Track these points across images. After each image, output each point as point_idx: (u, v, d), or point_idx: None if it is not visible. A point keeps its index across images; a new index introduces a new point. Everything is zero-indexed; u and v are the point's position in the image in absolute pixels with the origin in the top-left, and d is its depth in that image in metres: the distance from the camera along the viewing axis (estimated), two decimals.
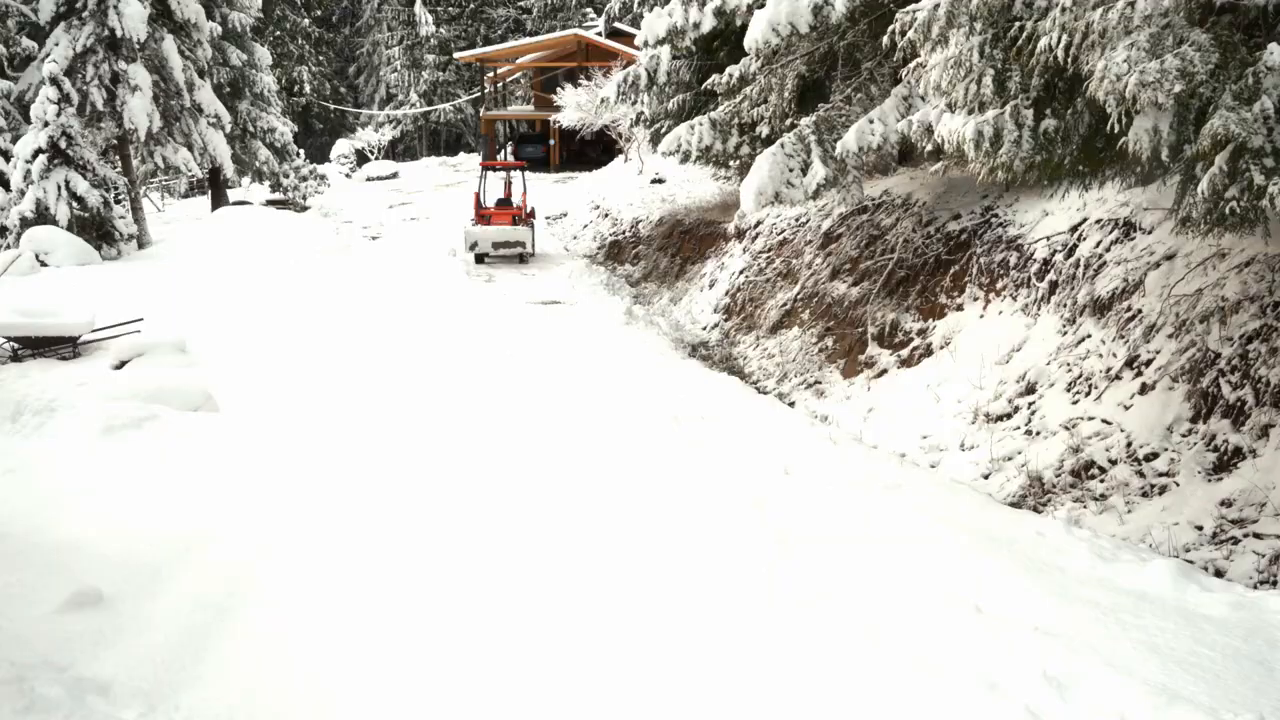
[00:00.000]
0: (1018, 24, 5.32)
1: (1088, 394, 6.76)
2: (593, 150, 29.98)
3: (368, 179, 35.10)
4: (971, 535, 5.30)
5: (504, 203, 18.78)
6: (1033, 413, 7.03)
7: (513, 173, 20.44)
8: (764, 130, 11.00)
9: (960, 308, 8.66)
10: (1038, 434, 6.83)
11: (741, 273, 12.58)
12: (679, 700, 3.67)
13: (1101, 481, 6.12)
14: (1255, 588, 4.81)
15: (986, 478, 6.74)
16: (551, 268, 16.71)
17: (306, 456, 6.58)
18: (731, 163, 13.67)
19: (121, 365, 9.38)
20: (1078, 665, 3.80)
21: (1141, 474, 5.94)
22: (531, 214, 18.52)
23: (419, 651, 4.03)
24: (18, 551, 4.82)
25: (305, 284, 14.68)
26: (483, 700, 3.68)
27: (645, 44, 13.06)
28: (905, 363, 8.74)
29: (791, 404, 9.14)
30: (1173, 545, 5.34)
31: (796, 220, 12.19)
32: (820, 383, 9.36)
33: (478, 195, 18.34)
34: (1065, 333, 7.34)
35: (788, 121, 10.31)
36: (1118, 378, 6.61)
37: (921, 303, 9.16)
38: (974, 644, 4.02)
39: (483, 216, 17.92)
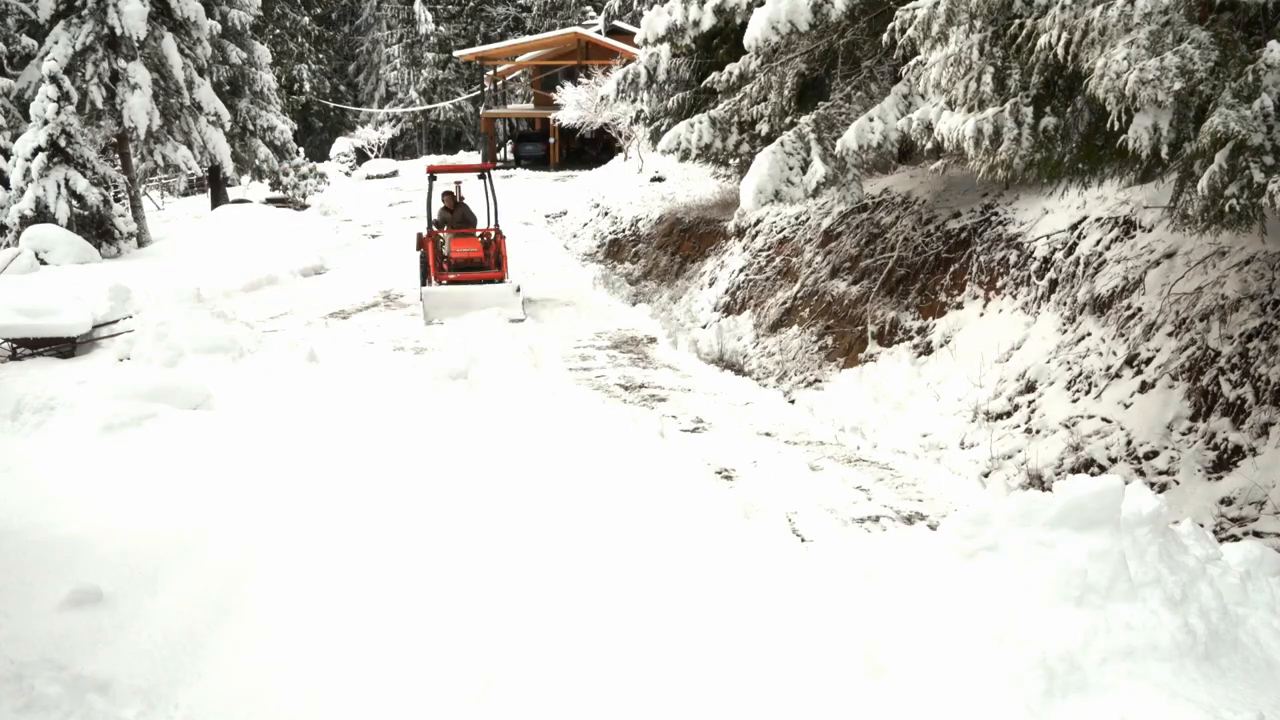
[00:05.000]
0: (1017, 21, 5.31)
1: (1087, 392, 6.75)
2: (592, 148, 30.05)
3: (367, 177, 35.12)
4: None
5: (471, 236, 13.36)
6: (1032, 411, 7.03)
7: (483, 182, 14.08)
8: (764, 128, 11.00)
9: (960, 306, 8.65)
10: (1038, 432, 6.83)
11: (741, 271, 12.57)
12: None
13: None
14: None
15: (986, 476, 6.73)
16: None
17: (306, 455, 6.58)
18: (731, 161, 13.67)
19: (121, 363, 9.37)
20: None
21: (1141, 472, 5.94)
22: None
23: (418, 649, 4.03)
24: (17, 550, 4.82)
25: (304, 281, 14.67)
26: (481, 698, 3.68)
27: (645, 42, 13.07)
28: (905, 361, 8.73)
29: (792, 401, 9.14)
30: None
31: (796, 218, 12.17)
32: (820, 380, 9.35)
33: (424, 241, 13.22)
34: (1065, 331, 7.34)
35: (787, 119, 10.30)
36: (1117, 376, 6.61)
37: (921, 301, 9.16)
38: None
39: (450, 262, 12.78)
